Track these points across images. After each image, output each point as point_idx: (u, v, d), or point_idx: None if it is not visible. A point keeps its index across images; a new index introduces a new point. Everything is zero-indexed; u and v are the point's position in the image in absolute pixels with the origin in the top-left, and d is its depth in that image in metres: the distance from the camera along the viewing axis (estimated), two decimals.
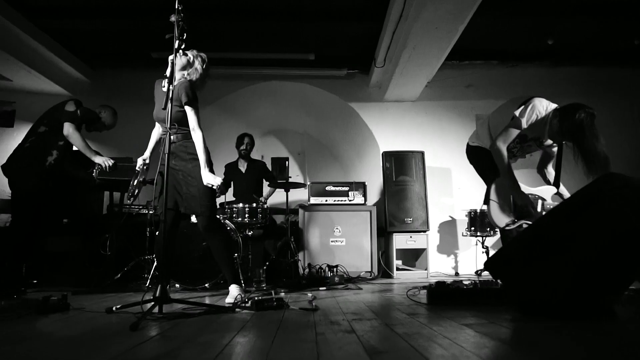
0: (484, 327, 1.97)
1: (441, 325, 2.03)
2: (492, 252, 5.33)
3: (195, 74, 3.09)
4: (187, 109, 2.94)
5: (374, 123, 6.53)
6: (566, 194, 3.37)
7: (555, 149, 3.43)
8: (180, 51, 2.74)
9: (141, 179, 3.14)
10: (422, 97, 6.41)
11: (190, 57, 3.08)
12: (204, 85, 3.16)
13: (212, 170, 2.97)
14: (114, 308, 2.51)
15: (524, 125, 3.14)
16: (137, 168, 3.20)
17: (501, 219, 3.29)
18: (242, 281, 3.97)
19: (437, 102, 6.53)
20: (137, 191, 3.15)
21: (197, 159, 2.95)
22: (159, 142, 3.27)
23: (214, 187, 2.95)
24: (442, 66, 5.51)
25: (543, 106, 3.16)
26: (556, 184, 3.40)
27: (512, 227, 3.26)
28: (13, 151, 3.61)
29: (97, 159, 3.78)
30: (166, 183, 2.59)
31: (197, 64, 3.10)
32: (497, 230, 3.68)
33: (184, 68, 3.06)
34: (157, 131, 3.32)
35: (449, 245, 6.21)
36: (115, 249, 4.35)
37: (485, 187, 3.46)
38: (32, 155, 3.56)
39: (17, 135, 6.16)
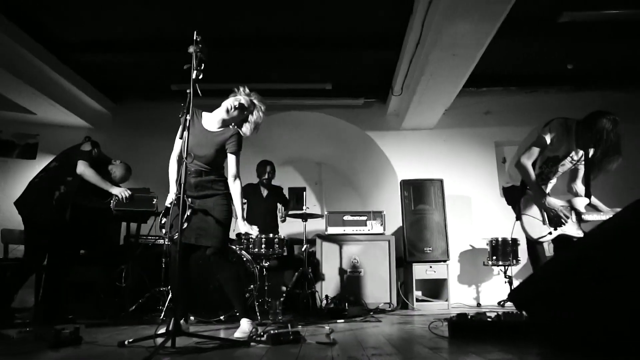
0: None
1: None
2: (515, 282, 5.18)
3: (248, 129, 3.13)
4: (232, 157, 3.04)
5: (392, 151, 6.48)
6: (599, 205, 3.48)
7: (582, 166, 3.50)
8: (243, 97, 3.02)
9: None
10: (440, 124, 6.35)
11: (252, 112, 3.11)
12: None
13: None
14: (126, 342, 2.45)
15: (548, 141, 3.31)
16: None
17: (536, 231, 3.38)
18: (257, 314, 3.89)
19: (455, 129, 6.46)
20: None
21: (219, 195, 3.03)
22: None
23: (253, 237, 3.32)
24: (460, 93, 5.46)
25: (566, 123, 3.34)
26: (587, 195, 3.44)
27: (548, 238, 3.37)
28: (26, 187, 3.66)
29: (114, 190, 3.81)
30: (181, 215, 2.56)
31: (254, 118, 3.13)
32: (523, 257, 3.66)
33: (244, 120, 3.11)
34: (175, 168, 3.12)
35: (470, 275, 6.03)
36: (131, 280, 4.32)
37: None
38: (41, 190, 3.62)
39: (39, 167, 6.26)
